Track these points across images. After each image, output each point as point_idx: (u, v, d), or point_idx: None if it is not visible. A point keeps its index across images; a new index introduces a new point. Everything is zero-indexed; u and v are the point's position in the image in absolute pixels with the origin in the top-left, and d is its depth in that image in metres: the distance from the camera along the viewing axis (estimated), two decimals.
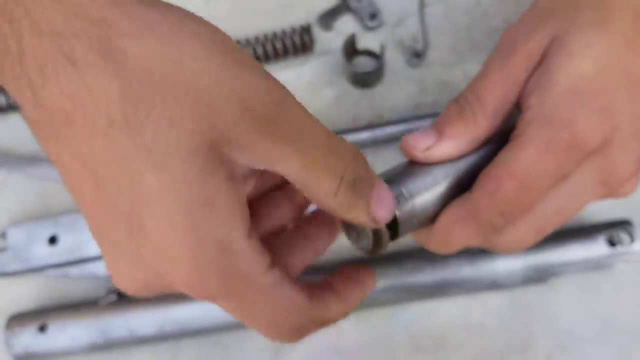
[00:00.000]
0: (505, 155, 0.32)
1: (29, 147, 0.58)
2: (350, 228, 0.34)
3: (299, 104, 0.27)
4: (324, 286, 0.34)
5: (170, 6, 0.25)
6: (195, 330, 0.50)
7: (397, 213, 0.31)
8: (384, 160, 0.55)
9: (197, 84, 0.24)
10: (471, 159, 0.34)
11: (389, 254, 0.50)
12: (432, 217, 0.34)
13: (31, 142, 0.58)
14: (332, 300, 0.33)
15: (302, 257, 0.35)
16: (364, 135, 0.54)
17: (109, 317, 0.50)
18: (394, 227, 0.32)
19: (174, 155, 0.23)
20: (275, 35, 0.58)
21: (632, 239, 0.48)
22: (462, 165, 0.34)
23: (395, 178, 0.33)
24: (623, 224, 0.49)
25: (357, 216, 0.29)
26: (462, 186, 0.34)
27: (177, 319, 0.49)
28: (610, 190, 0.34)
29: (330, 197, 0.28)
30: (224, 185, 0.25)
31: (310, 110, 0.29)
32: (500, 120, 0.34)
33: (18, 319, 0.51)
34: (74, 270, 0.53)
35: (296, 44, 0.58)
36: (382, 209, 0.29)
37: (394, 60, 0.58)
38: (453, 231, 0.33)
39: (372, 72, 0.55)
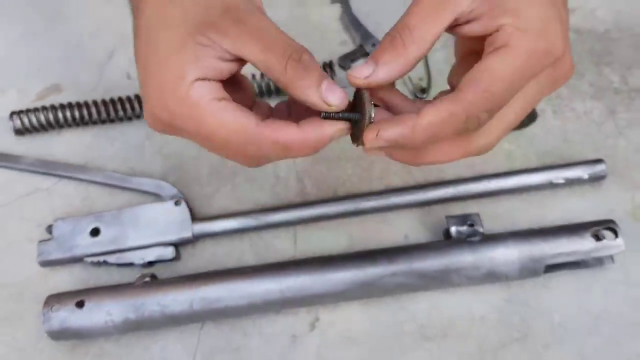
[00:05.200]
0: (493, 60, 0.37)
1: (78, 158, 0.66)
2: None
3: (262, 15, 0.40)
4: (286, 120, 0.40)
5: None
6: (221, 310, 0.54)
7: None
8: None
9: None
10: None
11: (398, 247, 0.56)
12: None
13: (79, 154, 0.66)
14: (289, 126, 0.39)
15: None
16: None
17: (143, 295, 0.54)
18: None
19: (188, 20, 0.39)
20: None
21: (615, 235, 0.54)
22: None
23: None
24: (608, 222, 0.55)
25: (307, 94, 0.38)
26: None
27: (205, 297, 0.54)
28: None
29: (282, 74, 0.38)
30: (201, 42, 0.38)
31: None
32: (431, 43, 0.38)
33: (56, 297, 0.55)
34: (112, 258, 0.58)
35: None
36: (332, 93, 0.38)
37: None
38: (441, 127, 0.37)
39: None
